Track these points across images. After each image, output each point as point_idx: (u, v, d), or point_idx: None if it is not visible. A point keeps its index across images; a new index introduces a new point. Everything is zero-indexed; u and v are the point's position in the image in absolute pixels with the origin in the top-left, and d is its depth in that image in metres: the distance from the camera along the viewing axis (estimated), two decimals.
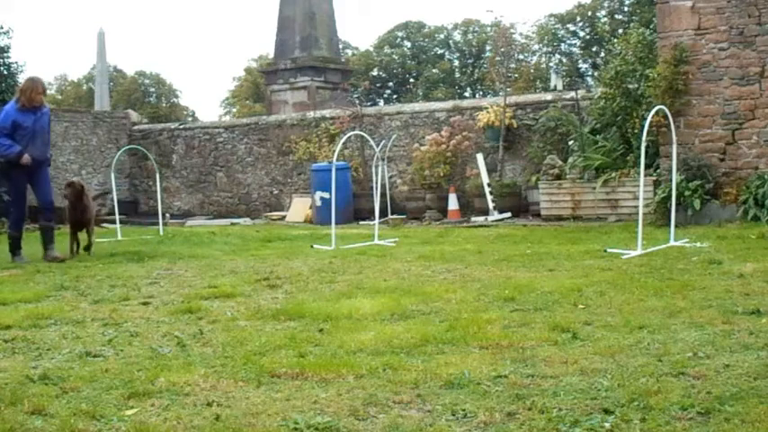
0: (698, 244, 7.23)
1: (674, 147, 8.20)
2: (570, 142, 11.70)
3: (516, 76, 17.50)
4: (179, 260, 7.73)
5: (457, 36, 44.97)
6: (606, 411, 2.74)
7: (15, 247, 8.35)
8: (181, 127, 17.14)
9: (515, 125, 12.52)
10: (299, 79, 18.82)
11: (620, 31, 28.65)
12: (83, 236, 8.77)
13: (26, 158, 8.13)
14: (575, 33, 37.95)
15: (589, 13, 36.69)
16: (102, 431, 2.75)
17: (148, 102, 47.97)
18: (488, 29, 37.32)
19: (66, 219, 8.82)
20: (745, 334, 3.75)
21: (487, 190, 12.09)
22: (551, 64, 35.13)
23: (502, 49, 13.65)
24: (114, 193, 12.46)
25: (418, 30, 44.87)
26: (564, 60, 37.12)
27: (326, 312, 4.62)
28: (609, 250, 7.10)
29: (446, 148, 12.68)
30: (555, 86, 17.53)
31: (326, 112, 15.03)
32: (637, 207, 7.83)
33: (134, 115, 18.60)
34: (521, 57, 18.58)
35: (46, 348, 3.97)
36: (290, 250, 8.41)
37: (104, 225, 13.45)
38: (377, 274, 6.27)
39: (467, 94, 39.63)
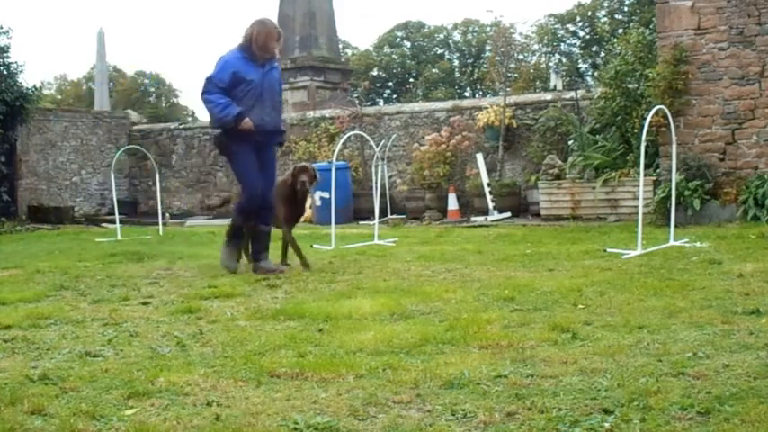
0: (698, 244, 7.23)
1: (674, 147, 8.20)
2: (570, 142, 11.71)
3: (516, 76, 17.50)
4: (179, 260, 7.72)
5: (457, 36, 44.93)
6: (606, 411, 2.74)
7: (262, 248, 6.52)
8: (180, 127, 17.15)
9: (515, 125, 12.53)
10: (298, 79, 18.82)
11: (620, 31, 28.64)
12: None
13: (247, 122, 6.22)
14: (574, 33, 37.92)
15: (589, 13, 36.67)
16: (102, 431, 2.75)
17: (148, 102, 47.96)
18: (488, 29, 37.27)
19: (281, 215, 6.83)
20: (745, 334, 3.75)
21: (487, 190, 12.09)
22: (551, 64, 35.11)
23: (501, 49, 13.66)
24: (114, 193, 12.46)
25: (418, 30, 44.84)
26: (564, 60, 37.09)
27: (326, 312, 4.62)
28: (609, 250, 7.10)
29: (446, 147, 12.68)
30: (555, 86, 17.52)
31: (326, 112, 15.04)
32: (636, 207, 7.83)
33: (134, 115, 18.61)
34: (520, 57, 18.56)
35: (46, 348, 3.97)
36: (289, 250, 8.40)
37: (104, 225, 13.47)
38: (377, 274, 6.27)
39: (466, 94, 39.59)
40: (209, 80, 6.35)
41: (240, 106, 6.25)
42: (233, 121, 6.24)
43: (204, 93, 6.39)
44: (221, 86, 6.27)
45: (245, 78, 6.30)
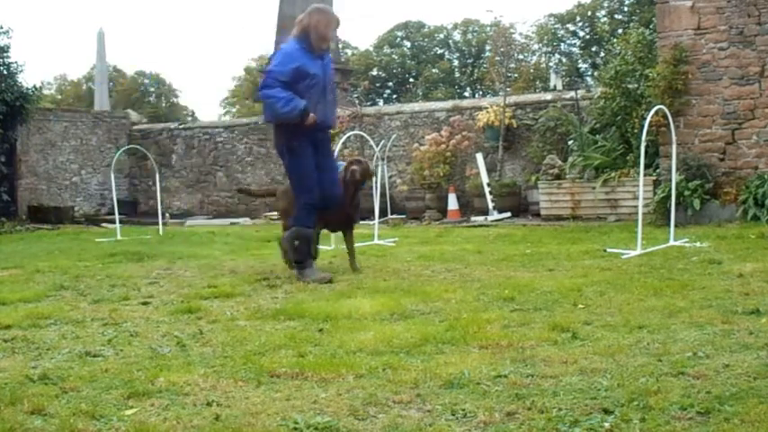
0: (697, 244, 7.24)
1: (674, 146, 8.19)
2: (570, 142, 11.72)
3: (516, 75, 17.51)
4: (178, 260, 7.72)
5: (457, 36, 44.97)
6: (606, 411, 2.74)
7: (305, 255, 6.05)
8: (180, 127, 17.16)
9: (515, 125, 12.53)
10: None
11: (620, 30, 28.65)
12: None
13: (312, 117, 5.82)
14: (574, 33, 37.94)
15: (589, 13, 36.69)
16: (102, 431, 2.75)
17: (148, 102, 47.98)
18: (488, 29, 37.32)
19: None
20: (745, 334, 3.75)
21: (487, 190, 12.09)
22: (551, 64, 35.12)
23: (501, 49, 13.67)
24: (114, 193, 12.46)
25: (418, 30, 44.88)
26: (564, 60, 37.11)
27: (326, 312, 4.62)
28: (608, 250, 7.10)
29: (446, 147, 12.69)
30: (554, 86, 17.54)
31: None
32: (636, 207, 7.83)
33: (134, 115, 18.62)
34: (520, 57, 18.58)
35: (46, 348, 3.97)
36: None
37: (104, 225, 13.48)
38: (377, 274, 6.26)
39: (466, 94, 39.62)
40: (269, 73, 5.94)
41: (305, 101, 5.84)
42: (298, 116, 5.79)
43: (264, 87, 5.95)
44: (282, 80, 5.81)
45: (309, 72, 5.86)
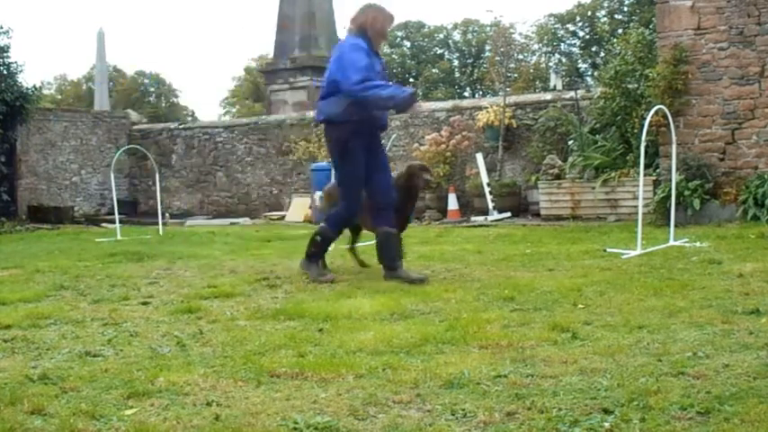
0: (697, 244, 7.23)
1: (674, 146, 8.19)
2: (570, 142, 11.72)
3: (516, 75, 17.52)
4: (178, 260, 7.72)
5: (456, 36, 44.96)
6: (606, 411, 2.74)
7: (318, 252, 6.21)
8: (180, 127, 17.16)
9: (515, 125, 12.53)
10: (298, 79, 18.82)
11: (620, 30, 28.65)
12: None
13: (418, 97, 5.87)
14: (574, 33, 37.92)
15: (589, 13, 36.67)
16: (102, 431, 2.75)
17: (148, 102, 47.98)
18: (488, 29, 37.32)
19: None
20: (745, 334, 3.75)
21: (487, 190, 12.09)
22: (551, 64, 35.11)
23: (501, 49, 13.67)
24: (114, 193, 12.45)
25: (418, 29, 44.85)
26: (563, 60, 37.10)
27: (326, 312, 4.62)
28: (608, 250, 7.10)
29: (446, 147, 12.68)
30: (554, 86, 17.53)
31: None
32: (636, 207, 7.83)
33: (134, 115, 18.63)
34: (520, 57, 18.59)
35: (46, 348, 3.97)
36: (289, 250, 8.40)
37: (104, 225, 13.48)
38: (376, 274, 6.26)
39: (466, 94, 39.62)
40: (364, 69, 5.70)
41: None
42: (410, 99, 5.78)
43: (364, 80, 5.68)
44: (370, 72, 5.73)
45: (374, 68, 5.82)
